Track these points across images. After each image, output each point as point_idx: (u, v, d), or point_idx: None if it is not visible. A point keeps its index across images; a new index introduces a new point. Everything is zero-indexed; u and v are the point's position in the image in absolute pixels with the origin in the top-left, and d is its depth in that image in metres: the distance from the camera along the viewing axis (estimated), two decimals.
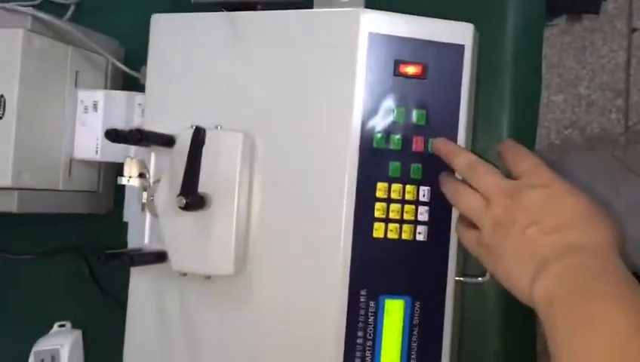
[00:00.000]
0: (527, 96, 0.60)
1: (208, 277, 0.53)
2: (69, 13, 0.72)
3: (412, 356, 0.51)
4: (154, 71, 0.57)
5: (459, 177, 0.51)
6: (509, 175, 0.47)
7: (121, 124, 0.62)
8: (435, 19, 0.52)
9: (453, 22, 0.52)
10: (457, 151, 0.50)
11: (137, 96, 0.62)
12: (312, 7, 0.54)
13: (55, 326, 0.70)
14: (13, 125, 0.56)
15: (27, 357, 0.69)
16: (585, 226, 0.43)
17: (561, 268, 0.41)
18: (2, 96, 0.57)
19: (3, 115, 0.57)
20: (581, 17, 1.18)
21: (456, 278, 0.53)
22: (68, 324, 0.71)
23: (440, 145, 0.51)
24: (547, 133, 1.20)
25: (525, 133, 0.60)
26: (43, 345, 0.69)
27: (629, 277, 0.41)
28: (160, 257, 0.53)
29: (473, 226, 0.48)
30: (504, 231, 0.44)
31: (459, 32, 0.52)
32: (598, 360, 0.37)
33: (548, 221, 0.43)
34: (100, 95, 0.63)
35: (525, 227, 0.43)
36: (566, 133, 1.20)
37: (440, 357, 0.52)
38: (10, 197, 0.57)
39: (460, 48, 0.52)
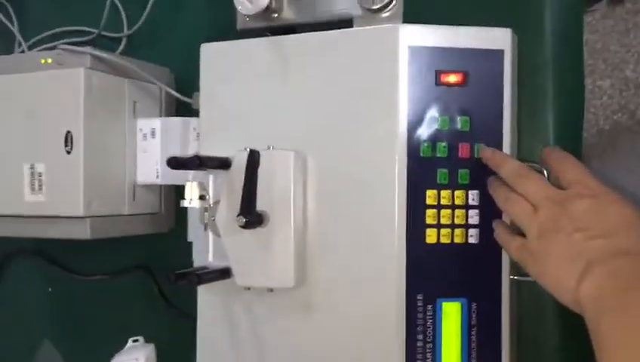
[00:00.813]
0: (571, 91, 0.60)
1: (271, 290, 0.56)
2: (122, 46, 0.77)
3: (472, 356, 0.53)
4: (206, 97, 0.60)
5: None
6: (554, 181, 0.49)
7: (178, 149, 0.66)
8: (472, 27, 0.53)
9: (490, 28, 0.53)
10: (505, 159, 0.51)
11: (192, 121, 0.66)
12: (351, 26, 0.56)
13: (129, 342, 0.75)
14: (81, 158, 0.61)
15: None
16: (631, 233, 0.44)
17: (608, 268, 0.43)
18: (69, 132, 0.61)
19: (71, 149, 0.61)
20: (622, 0, 1.16)
21: (511, 277, 0.54)
22: (141, 339, 0.74)
23: (487, 154, 0.52)
24: (595, 120, 1.19)
25: (571, 129, 0.60)
26: (120, 360, 0.73)
27: None
28: (225, 273, 0.56)
29: (517, 233, 0.50)
30: (551, 236, 0.46)
31: (497, 38, 0.53)
32: None
33: (594, 228, 0.45)
34: (157, 123, 0.66)
35: (572, 233, 0.45)
36: (615, 118, 1.18)
37: (500, 355, 0.53)
38: (83, 226, 0.62)
39: (499, 53, 0.53)
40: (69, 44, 0.65)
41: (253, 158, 0.52)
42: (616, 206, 0.46)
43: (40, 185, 0.62)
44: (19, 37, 0.81)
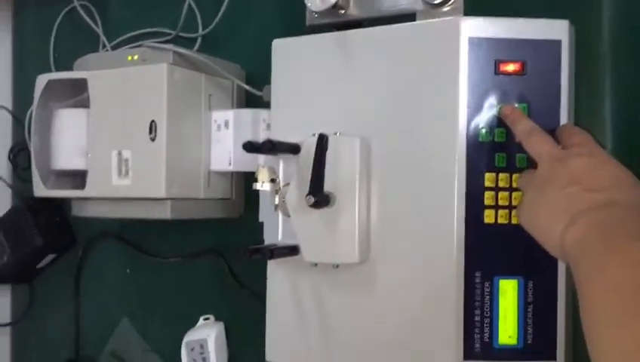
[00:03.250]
0: (629, 83, 0.62)
1: (337, 266, 0.60)
2: (197, 45, 0.82)
3: (528, 332, 0.55)
4: (277, 89, 0.65)
5: None
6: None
7: (249, 138, 0.70)
8: (531, 19, 0.56)
9: (548, 20, 0.56)
10: (521, 117, 0.54)
11: (261, 112, 0.71)
12: (414, 20, 0.60)
13: (201, 320, 0.80)
14: (164, 145, 0.66)
15: (178, 346, 0.79)
16: (621, 189, 0.47)
17: (594, 216, 0.45)
18: (154, 121, 0.67)
19: (155, 137, 0.67)
20: None
21: None
22: (212, 317, 0.80)
23: (507, 111, 0.55)
24: None
25: (629, 119, 0.62)
26: (192, 336, 0.79)
27: None
28: (294, 250, 0.60)
29: None
30: (545, 187, 0.49)
31: (555, 29, 0.56)
32: (625, 288, 0.39)
33: (587, 182, 0.47)
34: (230, 114, 0.72)
35: (565, 185, 0.48)
36: None
37: (555, 332, 0.56)
38: (164, 207, 0.68)
39: (557, 44, 0.56)
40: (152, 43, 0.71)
41: (322, 142, 0.56)
42: (610, 165, 0.48)
43: (126, 170, 0.68)
44: (103, 38, 0.88)
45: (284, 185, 0.62)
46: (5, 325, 0.96)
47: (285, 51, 0.65)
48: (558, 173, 0.49)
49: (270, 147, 0.58)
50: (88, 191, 0.71)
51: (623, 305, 0.38)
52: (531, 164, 0.55)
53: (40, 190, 0.74)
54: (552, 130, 0.54)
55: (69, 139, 0.73)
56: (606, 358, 0.37)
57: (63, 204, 0.88)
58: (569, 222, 0.46)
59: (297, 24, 0.67)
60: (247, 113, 0.72)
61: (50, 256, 0.89)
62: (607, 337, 0.38)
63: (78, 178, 0.73)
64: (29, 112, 0.82)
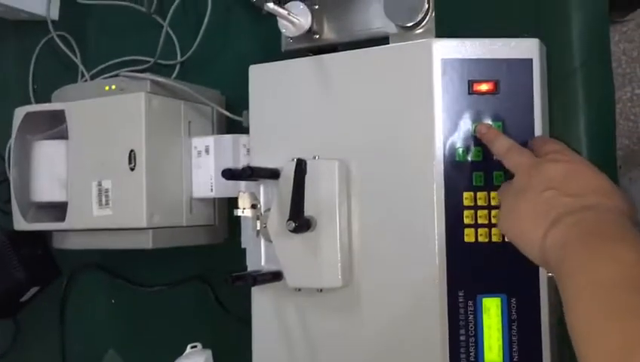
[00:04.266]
0: (601, 96, 0.63)
1: (320, 290, 0.60)
2: (175, 72, 0.83)
3: (514, 349, 0.55)
4: (255, 114, 0.65)
5: None
6: None
7: (230, 164, 0.71)
8: (501, 39, 0.57)
9: (519, 39, 0.57)
10: (497, 135, 0.55)
11: (242, 138, 0.71)
12: (387, 43, 0.60)
13: (188, 348, 0.79)
14: (144, 174, 0.66)
15: None
16: (599, 195, 0.47)
17: (574, 220, 0.45)
18: (133, 150, 0.67)
19: (135, 166, 0.67)
20: None
21: (549, 274, 0.56)
22: (199, 345, 0.79)
23: (482, 129, 0.56)
24: (635, 127, 1.19)
25: (603, 132, 0.62)
26: None
27: (636, 230, 0.44)
28: (277, 276, 0.60)
29: None
30: (522, 194, 0.49)
31: (526, 47, 0.57)
32: (607, 286, 0.39)
33: (565, 188, 0.48)
34: (210, 140, 0.72)
35: (543, 190, 0.48)
36: None
37: (541, 349, 0.56)
38: (145, 236, 0.67)
39: (528, 62, 0.56)
40: (128, 72, 0.71)
41: (301, 167, 0.57)
42: (588, 172, 0.49)
43: (107, 201, 0.68)
44: (82, 68, 0.88)
45: (265, 211, 0.62)
46: None
47: (262, 77, 0.65)
48: (535, 179, 0.49)
49: (249, 173, 0.58)
50: (69, 223, 0.70)
51: (605, 303, 0.39)
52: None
53: (20, 224, 0.74)
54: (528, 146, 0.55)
55: (49, 171, 0.73)
56: (591, 356, 0.37)
57: (45, 236, 0.87)
58: (549, 226, 0.46)
59: (275, 49, 0.67)
60: (228, 139, 0.72)
61: (34, 289, 0.88)
62: (591, 334, 0.38)
63: (58, 210, 0.72)
64: (8, 145, 0.82)
